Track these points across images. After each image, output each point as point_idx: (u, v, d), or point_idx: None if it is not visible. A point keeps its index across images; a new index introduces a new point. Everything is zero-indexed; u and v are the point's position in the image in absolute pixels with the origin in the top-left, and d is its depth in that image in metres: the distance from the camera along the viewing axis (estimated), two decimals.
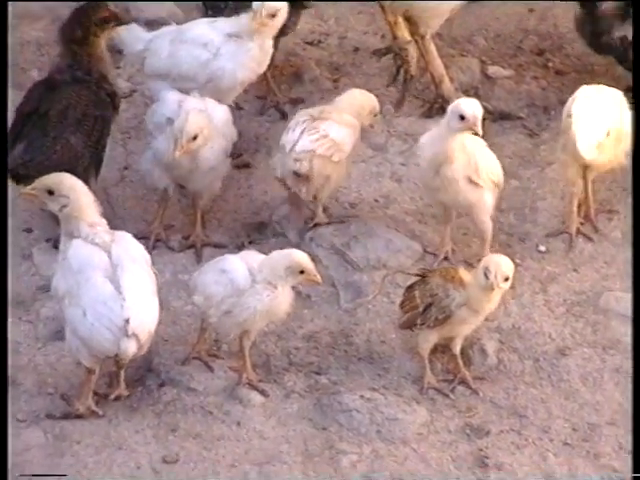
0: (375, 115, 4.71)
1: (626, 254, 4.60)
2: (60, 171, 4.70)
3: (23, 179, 4.84)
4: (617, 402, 4.30)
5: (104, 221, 4.12)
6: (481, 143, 4.51)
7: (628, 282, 4.57)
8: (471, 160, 4.43)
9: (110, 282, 4.02)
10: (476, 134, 4.47)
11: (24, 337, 4.35)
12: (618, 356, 4.30)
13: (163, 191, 4.54)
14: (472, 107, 4.43)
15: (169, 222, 4.56)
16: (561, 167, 4.81)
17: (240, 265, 4.10)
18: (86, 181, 4.74)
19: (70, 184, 4.13)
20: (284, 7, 4.77)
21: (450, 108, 4.43)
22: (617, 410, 4.32)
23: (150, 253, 4.35)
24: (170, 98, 4.51)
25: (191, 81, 4.59)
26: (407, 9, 5.02)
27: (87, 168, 4.89)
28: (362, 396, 4.20)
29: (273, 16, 4.71)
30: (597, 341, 4.38)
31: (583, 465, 4.10)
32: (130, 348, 3.96)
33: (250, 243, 4.46)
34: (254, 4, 4.72)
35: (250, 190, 4.71)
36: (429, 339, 4.16)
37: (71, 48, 4.98)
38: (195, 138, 4.40)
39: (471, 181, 4.42)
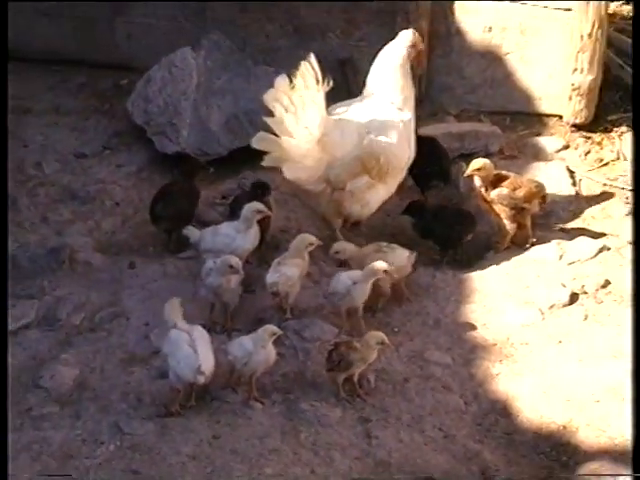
0: (312, 244, 4.58)
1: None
2: (184, 216, 4.92)
3: (162, 222, 4.93)
4: (455, 406, 4.19)
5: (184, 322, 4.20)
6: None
7: None
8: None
9: (190, 347, 4.07)
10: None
11: (145, 377, 4.26)
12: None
13: (212, 304, 4.57)
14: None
15: (215, 320, 4.58)
16: None
17: (249, 341, 4.16)
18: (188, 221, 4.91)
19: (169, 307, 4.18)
20: (261, 207, 4.69)
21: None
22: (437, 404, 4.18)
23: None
24: (209, 261, 4.51)
25: (223, 253, 4.59)
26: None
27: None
28: (310, 404, 4.13)
29: (259, 212, 4.69)
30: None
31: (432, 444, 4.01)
32: (201, 380, 4.03)
33: (255, 329, 4.33)
34: (247, 210, 4.64)
35: (254, 301, 4.71)
36: (341, 376, 4.21)
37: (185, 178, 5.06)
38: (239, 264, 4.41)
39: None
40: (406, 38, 4.87)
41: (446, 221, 4.86)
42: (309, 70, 4.55)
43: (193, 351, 4.04)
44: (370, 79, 4.90)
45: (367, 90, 4.88)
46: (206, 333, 4.22)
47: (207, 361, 4.06)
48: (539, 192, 4.90)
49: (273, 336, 4.14)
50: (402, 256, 4.61)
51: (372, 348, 4.20)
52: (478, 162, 4.92)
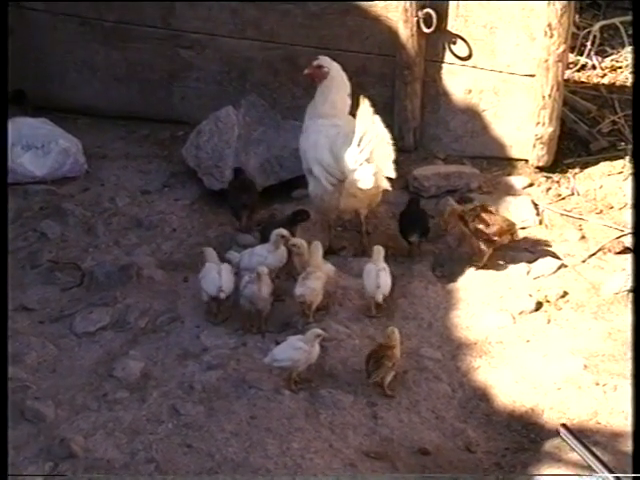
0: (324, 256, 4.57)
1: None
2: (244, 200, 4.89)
3: (241, 211, 4.93)
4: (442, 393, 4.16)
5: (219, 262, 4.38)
6: None
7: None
8: None
9: (218, 274, 4.34)
10: None
11: (196, 370, 4.18)
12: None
13: (249, 311, 4.47)
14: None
15: (252, 323, 4.47)
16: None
17: (299, 342, 4.10)
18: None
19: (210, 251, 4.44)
20: (285, 232, 4.64)
21: None
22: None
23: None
24: (245, 276, 4.47)
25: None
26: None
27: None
28: (328, 391, 4.06)
29: (283, 237, 4.65)
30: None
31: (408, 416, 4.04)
32: (222, 295, 4.31)
33: (284, 330, 4.40)
34: (273, 235, 4.60)
35: (282, 308, 4.60)
36: (390, 375, 4.07)
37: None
38: (267, 273, 4.40)
39: None
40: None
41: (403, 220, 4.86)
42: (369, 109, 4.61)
43: (219, 277, 4.33)
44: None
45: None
46: (232, 270, 4.43)
47: (227, 284, 4.36)
48: (509, 230, 4.92)
49: (318, 337, 4.06)
50: (331, 269, 4.57)
51: (398, 345, 4.11)
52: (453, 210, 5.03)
